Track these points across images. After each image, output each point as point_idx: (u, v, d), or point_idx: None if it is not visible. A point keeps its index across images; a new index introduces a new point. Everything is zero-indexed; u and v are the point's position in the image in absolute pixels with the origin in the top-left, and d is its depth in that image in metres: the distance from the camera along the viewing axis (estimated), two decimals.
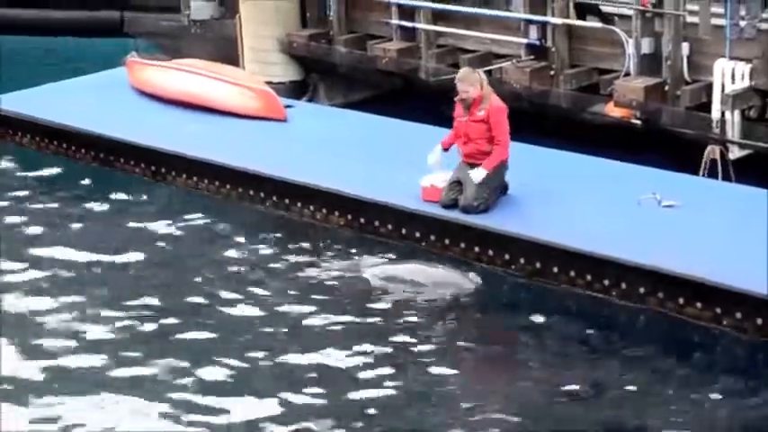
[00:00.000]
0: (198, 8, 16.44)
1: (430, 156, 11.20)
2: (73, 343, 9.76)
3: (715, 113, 11.98)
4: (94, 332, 9.91)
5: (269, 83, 14.48)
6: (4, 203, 12.69)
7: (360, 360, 9.36)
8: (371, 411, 8.65)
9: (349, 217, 11.58)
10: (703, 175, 11.85)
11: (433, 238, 10.97)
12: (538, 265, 10.40)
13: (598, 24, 13.08)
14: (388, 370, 9.18)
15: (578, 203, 11.00)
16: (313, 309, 10.18)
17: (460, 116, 11.06)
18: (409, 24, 14.48)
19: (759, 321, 9.28)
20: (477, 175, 10.84)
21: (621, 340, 9.58)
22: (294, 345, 9.59)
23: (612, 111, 12.68)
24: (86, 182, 13.18)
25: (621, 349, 9.42)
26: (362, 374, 9.14)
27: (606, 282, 10.01)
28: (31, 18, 18.37)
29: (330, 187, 11.72)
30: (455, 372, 9.23)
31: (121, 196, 12.72)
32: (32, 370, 9.33)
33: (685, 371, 9.07)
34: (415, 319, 9.98)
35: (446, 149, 11.20)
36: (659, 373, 9.01)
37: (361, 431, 8.46)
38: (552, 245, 10.30)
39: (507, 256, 10.57)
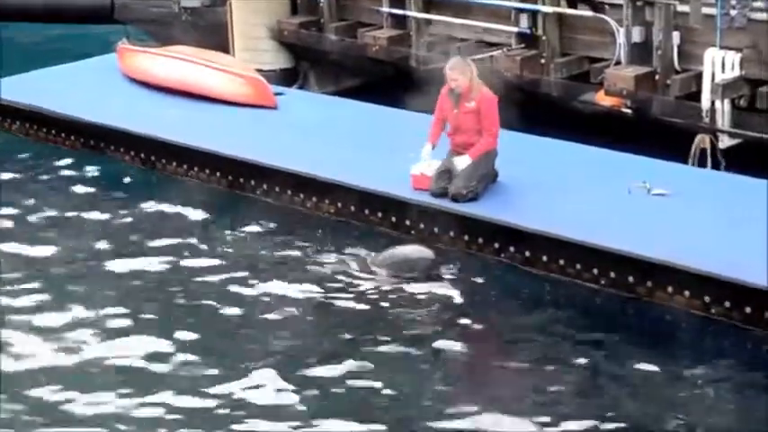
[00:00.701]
0: None
1: (423, 150, 11.18)
2: (65, 330, 9.74)
3: (705, 103, 12.01)
4: (86, 322, 9.89)
5: (259, 70, 14.46)
6: None
7: (356, 352, 9.35)
8: (369, 405, 8.65)
9: (339, 205, 11.58)
10: (693, 164, 11.87)
11: (422, 225, 10.99)
12: (527, 253, 10.41)
13: (589, 13, 13.08)
14: (383, 360, 9.19)
15: (568, 192, 11.00)
16: (304, 298, 10.18)
17: (449, 109, 11.04)
18: (400, 12, 14.47)
19: (747, 310, 9.30)
20: (462, 162, 10.87)
21: (611, 329, 9.58)
22: (290, 338, 9.59)
23: (603, 99, 12.70)
24: (75, 169, 13.15)
25: (616, 339, 9.41)
26: (359, 367, 9.12)
27: (595, 270, 10.02)
28: (22, 5, 18.30)
29: (320, 175, 11.71)
30: (451, 364, 9.24)
31: (109, 183, 12.70)
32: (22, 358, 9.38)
33: (673, 360, 9.09)
34: (404, 305, 9.99)
35: (433, 147, 11.21)
36: (654, 362, 9.01)
37: (360, 424, 8.47)
38: (542, 233, 10.31)
39: (497, 245, 10.58)
